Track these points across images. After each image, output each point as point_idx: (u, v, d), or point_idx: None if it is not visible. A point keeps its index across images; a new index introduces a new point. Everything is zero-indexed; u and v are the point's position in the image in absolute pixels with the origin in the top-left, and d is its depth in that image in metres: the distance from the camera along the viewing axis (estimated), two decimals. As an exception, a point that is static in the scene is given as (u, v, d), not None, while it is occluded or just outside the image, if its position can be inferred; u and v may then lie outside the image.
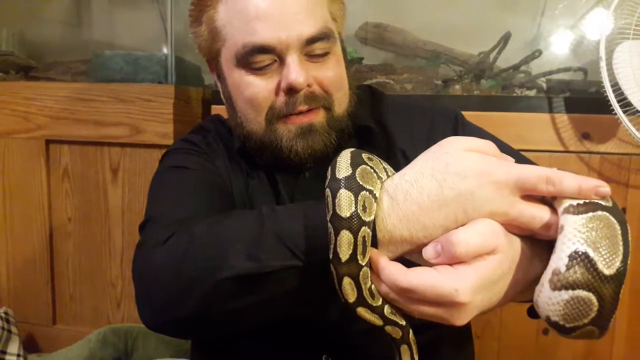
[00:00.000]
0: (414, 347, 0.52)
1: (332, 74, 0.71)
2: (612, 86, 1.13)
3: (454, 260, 0.43)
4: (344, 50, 0.78)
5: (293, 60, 0.68)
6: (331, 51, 0.71)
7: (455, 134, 0.78)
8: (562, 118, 1.32)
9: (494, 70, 1.47)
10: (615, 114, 1.13)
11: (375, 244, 0.46)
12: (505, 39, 1.44)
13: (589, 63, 1.42)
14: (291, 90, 0.68)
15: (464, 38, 1.55)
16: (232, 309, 0.51)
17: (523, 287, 0.46)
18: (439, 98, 1.40)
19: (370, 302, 0.46)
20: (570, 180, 0.43)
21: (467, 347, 0.84)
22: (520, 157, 0.73)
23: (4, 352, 1.34)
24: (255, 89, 0.70)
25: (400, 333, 0.50)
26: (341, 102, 0.74)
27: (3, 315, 1.36)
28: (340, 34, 0.77)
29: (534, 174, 0.44)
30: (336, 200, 0.45)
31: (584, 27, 1.48)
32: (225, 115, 0.85)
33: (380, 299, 0.47)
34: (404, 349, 0.52)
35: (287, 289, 0.50)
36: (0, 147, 1.45)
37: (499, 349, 1.40)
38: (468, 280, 0.42)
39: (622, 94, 1.12)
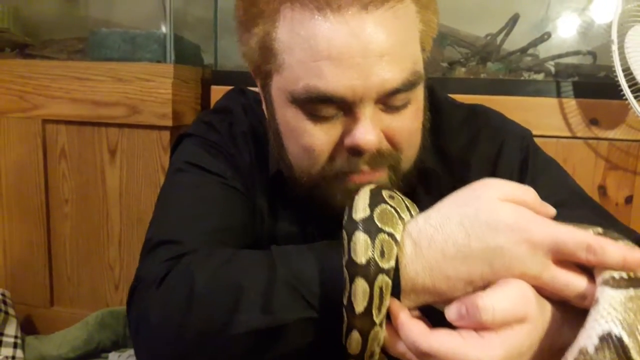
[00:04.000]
0: None
1: (408, 129, 0.57)
2: (623, 70, 1.10)
3: (479, 327, 0.39)
4: (426, 86, 0.62)
5: (365, 117, 0.53)
6: (413, 98, 0.56)
7: (524, 167, 0.65)
8: (570, 103, 1.30)
9: (501, 53, 1.44)
10: (626, 99, 1.10)
11: (397, 292, 0.42)
12: (514, 20, 1.40)
13: (598, 47, 1.39)
14: (358, 152, 0.54)
15: (471, 19, 1.51)
16: None
17: (549, 355, 0.41)
18: (445, 81, 1.37)
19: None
20: (614, 251, 0.39)
21: None
22: (582, 196, 0.65)
23: (2, 334, 1.33)
24: (313, 139, 0.55)
25: None
26: (410, 158, 0.60)
27: (0, 296, 1.35)
28: (424, 61, 0.60)
29: (574, 240, 0.40)
30: (351, 244, 0.41)
31: (594, 10, 1.44)
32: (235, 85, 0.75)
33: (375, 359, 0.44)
34: None
35: (303, 342, 0.45)
36: (-4, 127, 1.42)
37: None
38: (494, 352, 0.38)
39: (633, 78, 1.09)
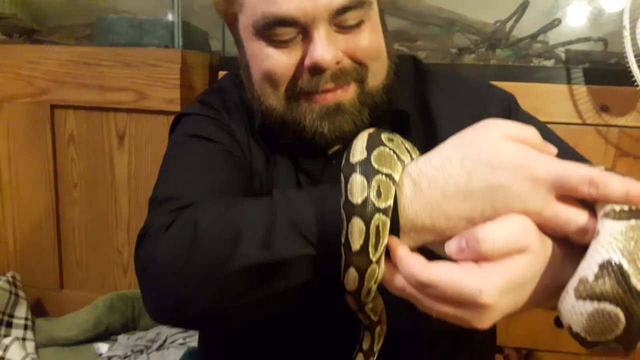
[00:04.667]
0: (377, 339, 0.51)
1: (367, 44, 0.61)
2: (634, 57, 1.09)
3: (479, 258, 0.39)
4: (381, 12, 0.67)
5: (319, 36, 0.58)
6: (366, 18, 0.61)
7: None
8: (581, 89, 1.28)
9: (510, 40, 1.42)
10: (637, 85, 1.09)
11: (396, 230, 0.43)
12: (523, 7, 1.39)
13: (609, 33, 1.37)
14: (316, 69, 0.59)
15: (479, 6, 1.50)
16: (245, 302, 0.48)
17: (551, 293, 0.41)
18: (454, 67, 1.36)
19: (363, 298, 0.45)
20: (616, 184, 0.38)
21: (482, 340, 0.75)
22: (567, 150, 0.66)
23: (12, 316, 1.35)
24: (274, 62, 0.61)
25: (368, 322, 0.50)
26: (377, 73, 0.64)
27: (10, 279, 1.37)
28: None
29: (576, 174, 0.39)
30: (348, 186, 0.42)
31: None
32: None
33: (371, 298, 0.45)
34: (366, 334, 0.51)
35: (303, 279, 0.46)
36: (4, 113, 1.43)
37: (508, 321, 1.40)
38: (494, 281, 0.38)
39: (645, 64, 1.08)
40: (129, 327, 1.42)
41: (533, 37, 1.41)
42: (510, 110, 0.71)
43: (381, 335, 0.51)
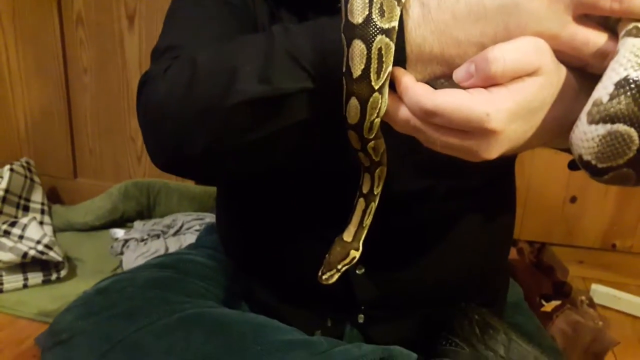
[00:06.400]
0: (377, 181, 0.48)
1: None
2: None
3: (488, 82, 0.36)
4: None
5: None
6: None
7: None
8: None
9: None
10: None
11: (402, 58, 0.39)
12: None
13: None
14: None
15: None
16: (244, 141, 0.46)
17: (563, 126, 0.38)
18: None
19: (365, 133, 0.42)
20: None
21: (503, 219, 0.72)
22: None
23: (28, 200, 1.34)
24: None
25: (369, 163, 0.47)
26: None
27: (25, 164, 1.36)
28: None
29: None
30: (348, 5, 0.38)
31: None
32: None
33: (374, 134, 0.42)
34: (366, 176, 0.48)
35: (305, 114, 0.44)
36: (9, -10, 1.38)
37: (523, 214, 1.38)
38: (502, 104, 0.35)
39: None
40: (144, 215, 1.43)
41: None
42: None
43: (381, 178, 0.49)
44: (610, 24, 0.37)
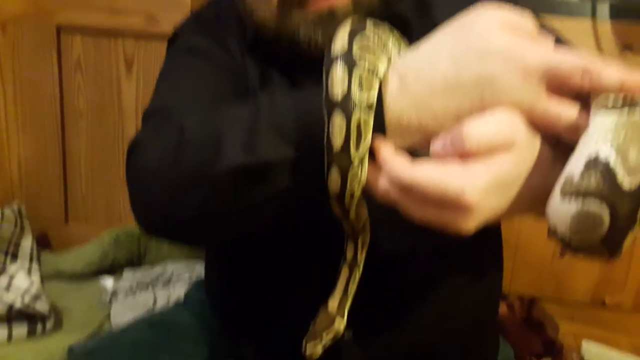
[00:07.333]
0: (361, 248, 0.50)
1: None
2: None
3: (463, 155, 0.37)
4: None
5: None
6: None
7: None
8: (605, 25, 1.25)
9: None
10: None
11: (382, 128, 0.41)
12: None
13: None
14: None
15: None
16: (231, 207, 0.47)
17: (540, 197, 0.39)
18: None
19: (347, 203, 0.43)
20: (611, 74, 0.36)
21: (490, 276, 0.73)
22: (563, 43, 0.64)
23: (18, 246, 1.32)
24: None
25: (352, 231, 0.49)
26: None
27: (16, 209, 1.34)
28: None
29: (569, 62, 0.37)
30: (329, 79, 0.40)
31: None
32: None
33: (355, 203, 0.44)
34: (350, 243, 0.50)
35: (286, 183, 0.45)
36: (9, 34, 1.37)
37: (512, 268, 1.39)
38: (478, 179, 0.36)
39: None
40: (134, 262, 1.40)
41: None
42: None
43: (364, 245, 0.50)
44: (584, 95, 0.39)
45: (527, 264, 1.40)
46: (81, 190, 1.44)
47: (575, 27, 1.26)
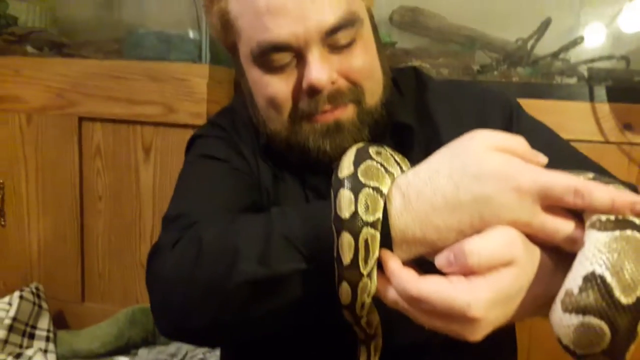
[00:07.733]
0: (373, 353, 0.52)
1: (360, 63, 0.63)
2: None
3: (466, 272, 0.40)
4: (374, 28, 0.68)
5: (313, 58, 0.60)
6: (357, 37, 0.62)
7: (508, 129, 0.69)
8: (603, 107, 1.29)
9: (532, 58, 1.43)
10: (664, 102, 1.09)
11: (389, 243, 0.44)
12: (545, 24, 1.40)
13: (631, 52, 1.38)
14: (313, 91, 0.61)
15: (500, 24, 1.52)
16: (246, 316, 0.50)
17: (544, 302, 0.41)
18: (477, 84, 1.37)
19: (358, 312, 0.46)
20: (602, 194, 0.39)
21: None
22: (576, 157, 0.67)
23: (35, 327, 1.35)
24: (274, 89, 0.63)
25: (364, 336, 0.51)
26: (373, 91, 0.66)
27: (34, 290, 1.37)
28: (369, 10, 0.68)
29: (561, 184, 0.40)
30: (337, 201, 0.43)
31: (626, 15, 1.44)
32: None
33: (366, 311, 0.46)
34: (363, 349, 0.52)
35: (299, 294, 0.47)
36: (34, 124, 1.45)
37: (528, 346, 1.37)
38: (481, 295, 0.39)
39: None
40: (149, 341, 1.42)
41: (555, 55, 1.42)
42: (512, 115, 0.72)
43: (377, 350, 0.52)
44: (578, 210, 0.41)
45: (544, 340, 1.38)
46: (98, 270, 1.47)
47: (575, 109, 1.30)
